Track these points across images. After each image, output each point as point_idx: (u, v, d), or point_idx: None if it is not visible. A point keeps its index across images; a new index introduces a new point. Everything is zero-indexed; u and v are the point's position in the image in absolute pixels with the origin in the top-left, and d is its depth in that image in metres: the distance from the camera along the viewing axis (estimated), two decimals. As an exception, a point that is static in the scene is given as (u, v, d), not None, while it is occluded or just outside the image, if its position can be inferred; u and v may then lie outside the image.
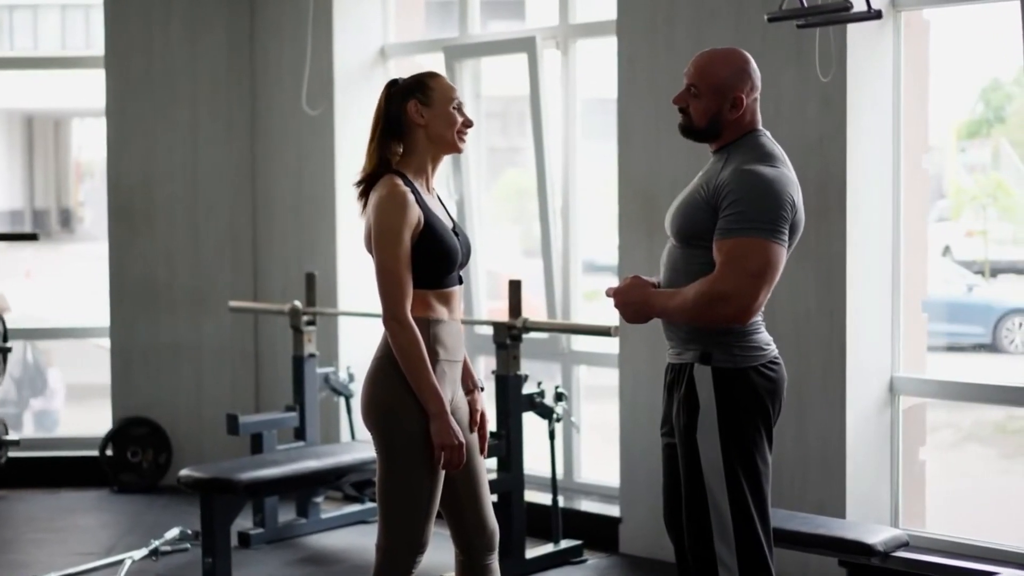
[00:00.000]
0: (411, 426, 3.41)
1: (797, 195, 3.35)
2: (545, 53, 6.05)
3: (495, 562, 3.63)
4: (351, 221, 6.47)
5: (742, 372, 3.35)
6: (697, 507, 3.39)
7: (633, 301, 3.44)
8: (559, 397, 5.34)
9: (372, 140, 3.55)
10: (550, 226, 6.10)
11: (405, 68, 6.36)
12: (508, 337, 5.12)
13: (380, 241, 3.42)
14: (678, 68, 4.95)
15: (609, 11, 5.68)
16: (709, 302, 3.26)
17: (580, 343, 6.16)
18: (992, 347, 11.15)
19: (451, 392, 3.52)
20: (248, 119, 6.96)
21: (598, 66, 6.14)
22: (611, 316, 5.39)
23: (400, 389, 3.41)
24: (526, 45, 6.03)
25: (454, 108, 3.54)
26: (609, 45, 5.72)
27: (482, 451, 3.64)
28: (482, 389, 3.73)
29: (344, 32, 6.63)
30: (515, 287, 5.18)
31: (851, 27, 4.78)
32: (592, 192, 6.61)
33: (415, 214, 3.42)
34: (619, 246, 5.54)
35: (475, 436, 3.65)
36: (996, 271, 12.29)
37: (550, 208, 6.08)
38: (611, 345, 5.80)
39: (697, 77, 3.44)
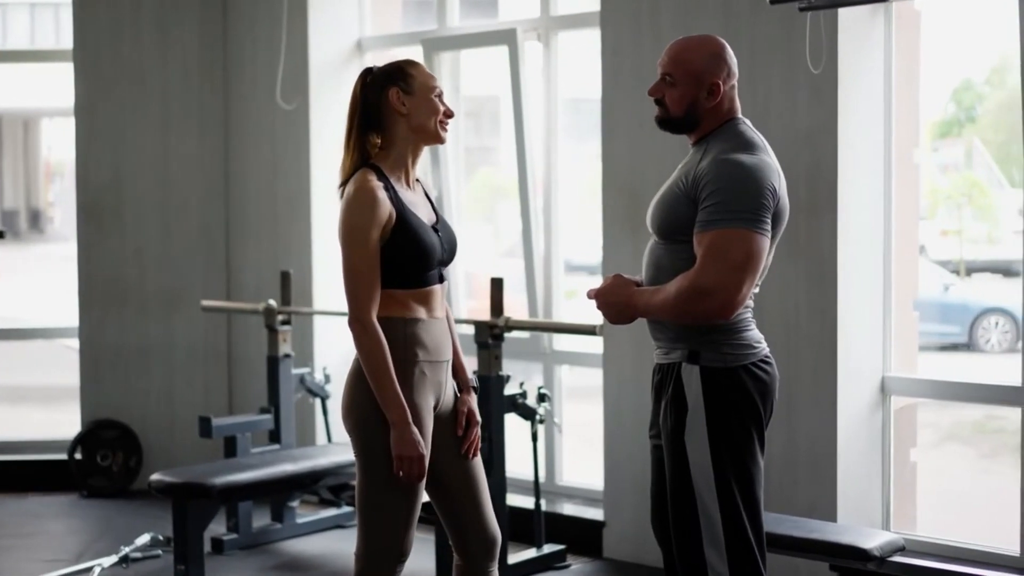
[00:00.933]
0: (388, 430, 3.30)
1: (779, 183, 3.26)
2: (526, 46, 5.96)
3: (495, 571, 3.52)
4: (326, 218, 6.44)
5: (732, 371, 3.25)
6: (685, 512, 3.29)
7: (616, 301, 3.34)
8: (542, 398, 5.26)
9: (350, 134, 3.42)
10: (531, 224, 6.01)
11: (383, 61, 6.18)
12: (490, 337, 5.01)
13: (345, 240, 3.31)
14: None
15: (592, 2, 5.60)
16: (691, 297, 3.16)
17: (562, 343, 6.07)
18: (969, 346, 11.13)
19: (434, 395, 3.41)
20: (221, 114, 6.88)
21: (581, 59, 6.05)
22: (595, 315, 5.41)
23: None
24: (506, 37, 5.94)
25: (435, 97, 3.43)
26: (592, 37, 5.64)
27: (472, 454, 3.51)
28: (476, 389, 3.61)
29: (320, 24, 6.55)
30: (497, 285, 5.07)
31: (842, 17, 4.69)
32: (573, 189, 6.51)
33: (384, 212, 3.30)
34: (603, 244, 5.46)
35: (469, 439, 3.51)
36: (971, 270, 12.29)
37: (531, 205, 6.00)
38: (594, 345, 5.73)
39: (672, 65, 3.35)
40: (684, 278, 3.18)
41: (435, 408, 3.41)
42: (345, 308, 6.26)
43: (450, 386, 3.48)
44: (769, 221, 3.20)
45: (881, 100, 4.87)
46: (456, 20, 6.35)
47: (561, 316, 6.07)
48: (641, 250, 4.95)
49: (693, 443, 3.24)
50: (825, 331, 4.80)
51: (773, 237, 3.26)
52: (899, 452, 5.04)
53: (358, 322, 3.30)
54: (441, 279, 3.46)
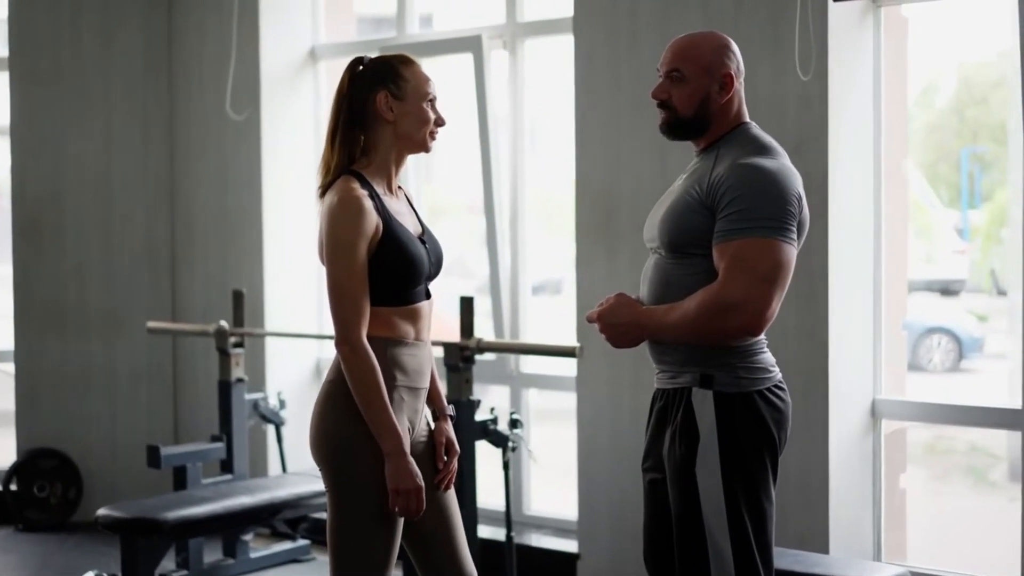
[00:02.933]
0: (367, 462, 3.08)
1: (802, 189, 3.10)
2: (492, 54, 5.78)
3: None
4: (279, 234, 6.33)
5: (747, 397, 3.07)
6: (694, 549, 3.09)
7: (622, 322, 3.15)
8: (514, 424, 4.98)
9: (334, 131, 3.19)
10: (497, 241, 5.80)
11: (337, 71, 6.03)
12: (460, 359, 4.79)
13: (332, 254, 3.08)
14: (641, 64, 4.96)
15: (560, 8, 5.45)
16: (717, 313, 2.98)
17: (530, 365, 5.88)
18: (911, 366, 11.12)
19: (410, 423, 3.19)
20: (167, 125, 6.70)
21: (549, 67, 5.92)
22: (568, 335, 5.36)
23: (354, 419, 3.09)
24: (471, 44, 5.74)
25: (428, 104, 3.20)
26: (560, 44, 5.50)
27: (446, 486, 3.29)
28: (452, 417, 3.38)
29: (271, 32, 6.37)
30: (467, 305, 4.85)
31: (832, 22, 4.56)
32: (538, 205, 6.33)
33: (371, 222, 3.08)
34: (576, 261, 5.27)
35: (446, 472, 3.29)
36: (912, 289, 12.36)
37: (497, 222, 5.80)
38: (564, 367, 5.59)
39: (679, 60, 3.18)
40: (706, 293, 3.00)
41: (411, 435, 3.19)
42: (300, 328, 6.28)
43: (424, 415, 3.28)
44: (795, 229, 3.04)
45: (871, 108, 4.74)
46: (416, 25, 6.17)
47: (528, 338, 5.89)
48: (617, 267, 5.08)
49: (705, 475, 3.05)
50: (816, 351, 4.63)
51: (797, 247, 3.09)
52: (889, 478, 4.89)
53: (346, 344, 3.07)
54: (428, 295, 3.25)
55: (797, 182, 3.08)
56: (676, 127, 3.21)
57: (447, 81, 6.15)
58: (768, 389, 3.09)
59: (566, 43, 5.37)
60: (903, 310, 5.17)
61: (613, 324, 3.16)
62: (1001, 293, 11.58)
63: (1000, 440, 9.46)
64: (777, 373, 3.14)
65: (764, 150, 3.11)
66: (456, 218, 7.14)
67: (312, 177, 6.02)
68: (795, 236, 3.04)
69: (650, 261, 3.23)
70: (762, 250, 2.97)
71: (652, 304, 3.15)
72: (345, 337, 3.07)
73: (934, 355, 11.22)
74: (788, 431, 3.16)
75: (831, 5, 4.52)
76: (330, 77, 6.38)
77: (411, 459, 3.09)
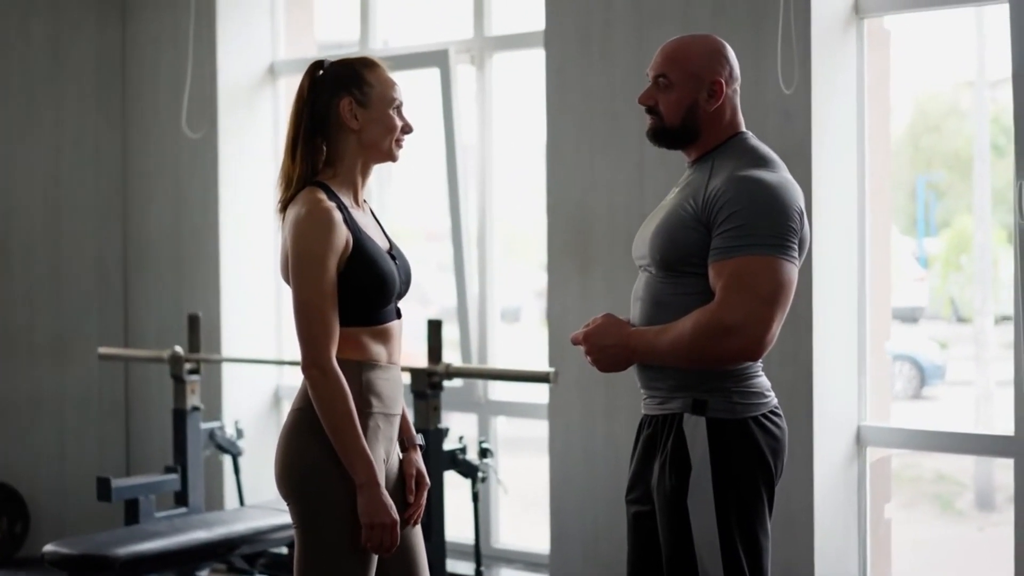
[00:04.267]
0: (338, 495, 2.93)
1: (803, 203, 2.97)
2: (459, 68, 5.67)
3: None
4: (236, 256, 6.22)
5: (742, 424, 2.94)
6: None
7: (609, 344, 3.01)
8: (483, 453, 4.87)
9: (294, 140, 3.03)
10: (464, 264, 5.67)
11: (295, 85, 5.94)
12: (428, 385, 4.63)
13: (299, 270, 2.92)
14: (615, 77, 4.85)
15: (529, 22, 5.37)
16: (713, 335, 2.85)
17: (498, 392, 5.75)
18: (874, 393, 11.19)
19: (385, 453, 3.03)
20: (119, 143, 6.58)
21: (518, 82, 5.89)
22: (540, 361, 5.23)
23: (324, 449, 2.94)
24: (438, 59, 5.61)
25: (394, 110, 3.05)
26: (529, 59, 5.44)
27: (415, 522, 3.13)
28: (422, 447, 3.21)
29: (229, 46, 6.25)
30: (435, 328, 4.70)
31: (816, 34, 4.48)
32: (503, 229, 6.23)
33: (341, 236, 2.93)
34: (548, 283, 5.16)
35: (416, 505, 3.13)
36: (873, 316, 12.46)
37: (465, 243, 5.67)
38: (535, 394, 5.49)
39: (666, 65, 3.05)
40: (703, 314, 2.86)
41: (385, 464, 3.04)
42: (259, 354, 6.13)
43: (395, 444, 3.12)
44: (797, 247, 2.91)
45: (855, 123, 4.64)
46: (380, 40, 6.05)
47: (496, 363, 5.76)
48: (591, 288, 4.94)
49: (697, 507, 2.92)
50: (800, 376, 4.50)
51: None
52: (874, 507, 4.78)
53: (315, 367, 2.90)
54: (399, 314, 3.10)
55: (798, 196, 2.96)
56: (662, 135, 3.08)
57: (411, 98, 6.08)
58: (764, 415, 2.97)
59: (535, 57, 5.29)
60: (887, 333, 5.05)
61: (600, 346, 3.01)
62: (961, 320, 11.66)
63: (966, 467, 9.47)
64: (773, 398, 3.02)
65: (763, 162, 2.99)
66: (414, 245, 7.08)
67: (271, 194, 5.96)
68: (796, 254, 2.92)
69: (640, 279, 3.09)
70: (762, 269, 2.85)
71: (642, 325, 3.02)
72: (314, 359, 2.90)
73: (896, 382, 11.30)
74: (785, 460, 3.03)
75: (814, 16, 4.42)
76: (290, 94, 6.10)
77: (385, 491, 2.92)
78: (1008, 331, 10.53)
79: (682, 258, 2.94)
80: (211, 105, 6.19)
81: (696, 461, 2.92)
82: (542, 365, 5.13)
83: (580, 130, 5.02)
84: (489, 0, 5.61)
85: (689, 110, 3.02)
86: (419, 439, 3.20)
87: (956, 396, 11.13)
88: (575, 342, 3.06)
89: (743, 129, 3.08)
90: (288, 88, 6.29)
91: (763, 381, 3.00)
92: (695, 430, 2.93)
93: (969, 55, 9.58)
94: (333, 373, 2.90)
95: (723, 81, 3.02)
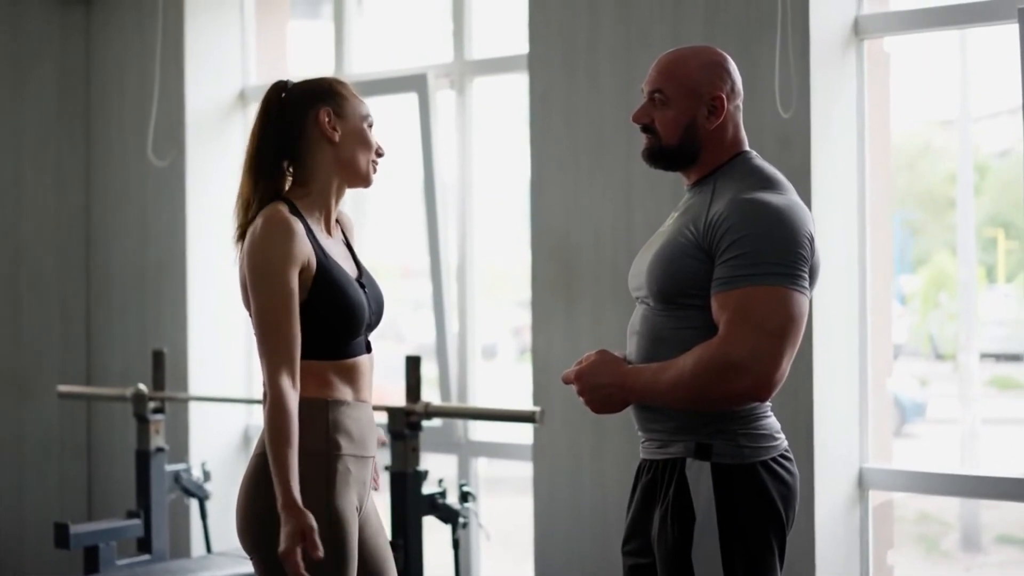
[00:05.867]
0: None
1: (814, 229, 2.80)
2: (438, 94, 5.57)
3: None
4: (204, 290, 6.14)
5: (749, 469, 2.78)
6: None
7: (604, 383, 2.84)
8: (464, 497, 4.69)
9: (256, 161, 2.88)
10: (444, 298, 5.53)
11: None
12: (406, 425, 4.43)
13: (257, 281, 2.79)
14: (602, 102, 4.70)
15: (512, 45, 5.29)
16: (717, 374, 2.68)
17: (479, 432, 5.59)
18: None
19: (358, 498, 2.87)
20: (82, 171, 6.50)
21: (499, 108, 5.85)
22: (525, 399, 5.04)
23: None
24: (415, 84, 5.50)
25: (368, 127, 2.94)
26: (511, 83, 5.41)
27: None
28: (375, 489, 3.07)
29: (198, 71, 6.18)
30: (413, 365, 4.50)
31: (815, 56, 4.36)
32: (486, 259, 6.15)
33: (303, 250, 2.78)
34: (532, 318, 5.04)
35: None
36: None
37: (444, 277, 5.54)
38: (518, 434, 5.33)
39: (662, 79, 2.88)
40: (705, 350, 2.68)
41: (358, 513, 2.89)
42: (228, 392, 5.97)
43: (369, 488, 2.97)
44: (807, 276, 2.73)
45: (855, 149, 4.50)
46: (354, 66, 5.95)
47: (476, 402, 5.62)
48: (577, 323, 4.75)
49: (702, 560, 2.76)
50: (800, 416, 4.34)
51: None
52: (876, 554, 4.60)
53: (279, 386, 2.75)
54: (368, 348, 2.93)
55: (808, 221, 2.78)
56: (658, 156, 2.90)
57: (388, 125, 5.99)
58: (774, 459, 2.80)
59: (518, 82, 5.21)
60: (889, 370, 4.89)
61: (594, 385, 2.83)
62: (939, 357, 11.63)
63: (950, 507, 9.36)
64: (783, 440, 2.84)
65: (769, 183, 2.82)
66: (389, 282, 6.97)
67: None
68: (807, 284, 2.74)
69: (637, 313, 2.91)
70: (770, 300, 2.68)
71: (640, 363, 2.84)
72: (277, 377, 2.74)
73: (874, 420, 11.23)
74: (796, 508, 2.85)
75: (813, 36, 4.29)
76: None
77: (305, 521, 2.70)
78: (992, 368, 10.50)
79: (682, 289, 2.78)
80: (179, 132, 6.13)
81: (700, 510, 2.75)
82: (522, 403, 5.01)
83: (565, 157, 4.92)
84: (470, 22, 5.52)
85: (688, 128, 2.86)
86: (375, 482, 3.06)
87: (938, 434, 11.07)
88: (566, 381, 2.90)
89: (746, 148, 2.92)
90: (260, 114, 6.23)
91: (772, 422, 2.82)
92: (699, 477, 2.76)
93: (950, 91, 9.52)
94: (284, 389, 2.74)
95: (725, 96, 2.86)
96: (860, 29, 4.44)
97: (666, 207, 4.56)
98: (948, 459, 10.11)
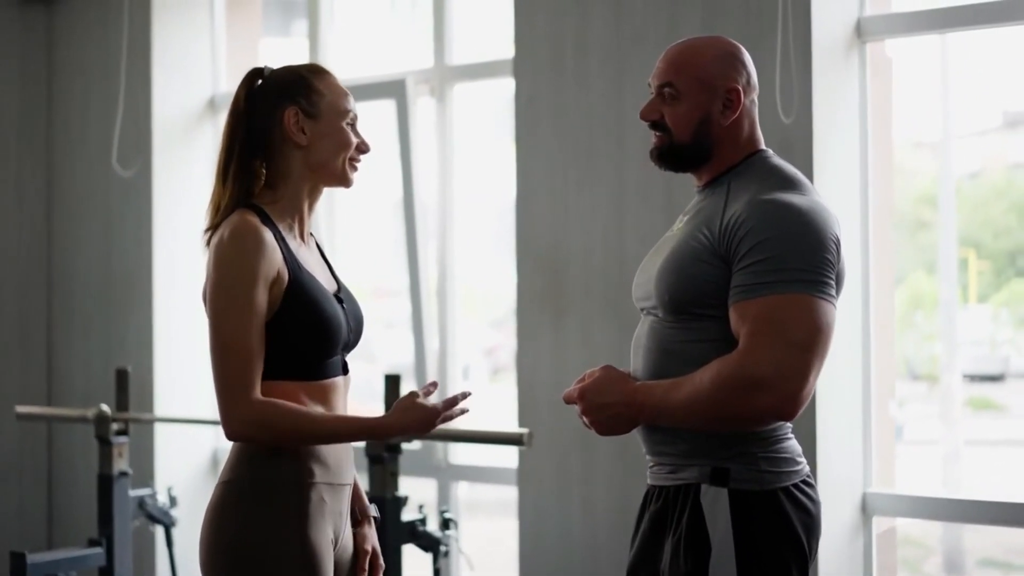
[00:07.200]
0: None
1: (840, 232, 2.63)
2: (417, 100, 5.47)
3: None
4: (171, 306, 6.08)
5: (770, 496, 2.61)
6: None
7: (610, 402, 2.66)
8: (446, 524, 4.57)
9: (226, 161, 2.71)
10: (423, 317, 5.40)
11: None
12: (384, 449, 4.31)
13: (217, 298, 2.62)
14: (591, 107, 4.58)
15: (494, 49, 5.26)
16: (738, 391, 2.51)
17: (459, 456, 5.50)
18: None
19: (333, 529, 2.70)
20: (43, 182, 6.45)
21: (481, 115, 5.78)
22: (511, 421, 4.91)
23: (256, 528, 2.64)
24: (394, 90, 5.40)
25: (347, 124, 2.73)
26: (494, 89, 5.36)
27: None
28: (376, 519, 2.88)
29: (166, 77, 6.11)
30: (392, 384, 4.34)
31: (817, 59, 4.27)
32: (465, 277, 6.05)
33: (273, 263, 2.60)
34: (517, 333, 4.93)
35: None
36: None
37: (424, 295, 5.42)
38: (501, 457, 5.22)
39: (673, 72, 2.72)
40: (724, 365, 2.51)
41: (334, 546, 2.72)
42: (196, 413, 5.92)
43: (346, 519, 2.80)
44: (834, 283, 2.57)
45: (857, 155, 4.39)
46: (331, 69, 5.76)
47: (456, 425, 5.39)
48: (565, 339, 4.60)
49: None
50: (802, 439, 4.10)
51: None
52: None
53: (237, 421, 2.59)
54: (345, 369, 2.76)
55: (834, 223, 2.61)
56: (669, 155, 2.72)
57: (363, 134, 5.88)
58: (795, 485, 2.64)
59: (500, 88, 5.14)
60: (892, 391, 4.76)
61: (599, 405, 2.65)
62: (916, 378, 11.66)
63: (932, 530, 9.30)
64: (805, 465, 2.68)
65: (790, 183, 2.65)
66: (362, 302, 6.88)
67: None
68: (835, 291, 2.57)
69: (643, 325, 2.73)
70: (795, 310, 2.51)
71: (648, 380, 2.66)
72: (232, 412, 2.57)
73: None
74: (819, 538, 2.67)
75: (815, 39, 4.19)
76: None
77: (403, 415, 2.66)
78: (975, 389, 10.45)
79: (695, 298, 2.60)
80: (145, 141, 6.06)
81: (717, 541, 2.59)
82: (499, 426, 4.94)
83: (553, 163, 4.83)
84: (450, 26, 5.43)
85: (701, 124, 2.68)
86: (373, 510, 2.87)
87: (915, 456, 11.06)
88: (568, 401, 2.71)
89: (763, 147, 2.74)
90: (230, 123, 6.14)
91: (793, 445, 2.66)
92: (715, 504, 2.59)
93: (925, 111, 9.58)
94: (264, 411, 2.57)
95: (740, 89, 2.69)
96: (863, 31, 4.36)
97: (659, 215, 4.45)
98: (929, 481, 10.10)
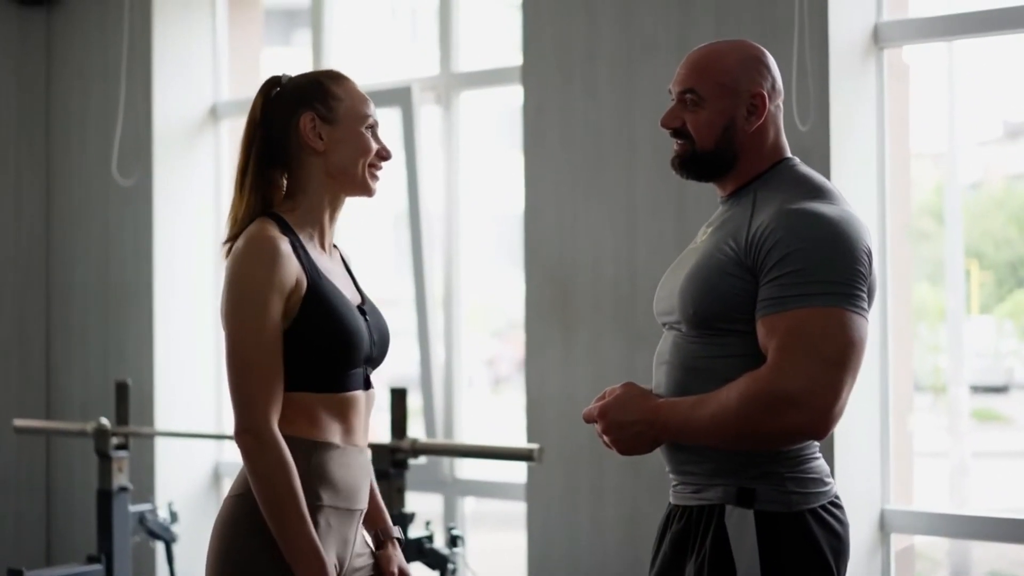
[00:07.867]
0: None
1: (871, 243, 2.56)
2: (423, 108, 5.43)
3: None
4: (172, 317, 6.07)
5: (797, 517, 2.52)
6: None
7: (633, 420, 2.58)
8: (453, 541, 4.47)
9: (243, 172, 2.68)
10: (429, 329, 5.35)
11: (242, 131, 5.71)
12: (391, 464, 4.23)
13: (233, 311, 2.58)
14: (601, 116, 4.52)
15: (502, 56, 5.24)
16: (767, 408, 2.43)
17: (466, 470, 5.43)
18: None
19: (338, 559, 2.67)
20: (42, 190, 6.40)
21: (488, 123, 5.77)
22: (519, 436, 4.85)
23: (267, 546, 2.57)
24: (399, 97, 5.34)
25: (367, 130, 2.67)
26: (501, 96, 5.36)
27: None
28: (401, 541, 2.82)
29: (167, 85, 6.08)
30: (399, 398, 4.28)
31: (834, 66, 4.22)
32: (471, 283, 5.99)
33: (290, 273, 2.56)
34: (526, 346, 4.87)
35: None
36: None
37: (429, 305, 5.37)
38: (509, 472, 5.18)
39: (695, 78, 2.63)
40: (753, 381, 2.43)
41: (339, 573, 2.67)
42: (197, 427, 5.83)
43: (359, 543, 2.72)
44: (866, 296, 2.48)
45: (875, 164, 4.34)
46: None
47: (462, 437, 5.45)
48: (574, 354, 4.53)
49: None
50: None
51: None
52: None
53: (249, 432, 2.53)
54: (367, 384, 2.67)
55: (865, 234, 2.53)
56: (691, 163, 2.64)
57: None
58: (823, 507, 2.57)
59: (507, 95, 5.12)
60: (910, 406, 4.67)
61: (621, 423, 2.57)
62: (920, 389, 11.64)
63: (938, 543, 9.24)
64: (833, 485, 2.60)
65: (819, 192, 2.56)
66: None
67: (212, 249, 5.85)
68: (867, 304, 2.49)
69: (666, 341, 2.65)
70: (827, 323, 2.43)
71: (671, 396, 2.58)
72: (248, 424, 2.53)
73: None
74: (848, 562, 2.60)
75: (832, 45, 4.14)
76: (234, 138, 6.12)
77: None
78: (979, 401, 10.40)
79: (721, 312, 2.52)
80: (145, 150, 6.02)
81: (743, 564, 2.51)
82: (503, 438, 4.81)
83: (561, 175, 4.79)
84: (457, 33, 5.39)
85: (726, 130, 2.60)
86: (397, 531, 2.80)
87: (922, 468, 11.01)
88: (588, 419, 2.63)
89: (789, 154, 2.66)
90: (231, 131, 6.15)
91: (821, 464, 2.58)
92: (740, 526, 2.51)
93: (927, 122, 9.59)
94: (272, 441, 2.52)
95: (766, 95, 2.60)
96: (880, 37, 4.30)
97: (671, 227, 4.37)
98: (937, 494, 10.07)
